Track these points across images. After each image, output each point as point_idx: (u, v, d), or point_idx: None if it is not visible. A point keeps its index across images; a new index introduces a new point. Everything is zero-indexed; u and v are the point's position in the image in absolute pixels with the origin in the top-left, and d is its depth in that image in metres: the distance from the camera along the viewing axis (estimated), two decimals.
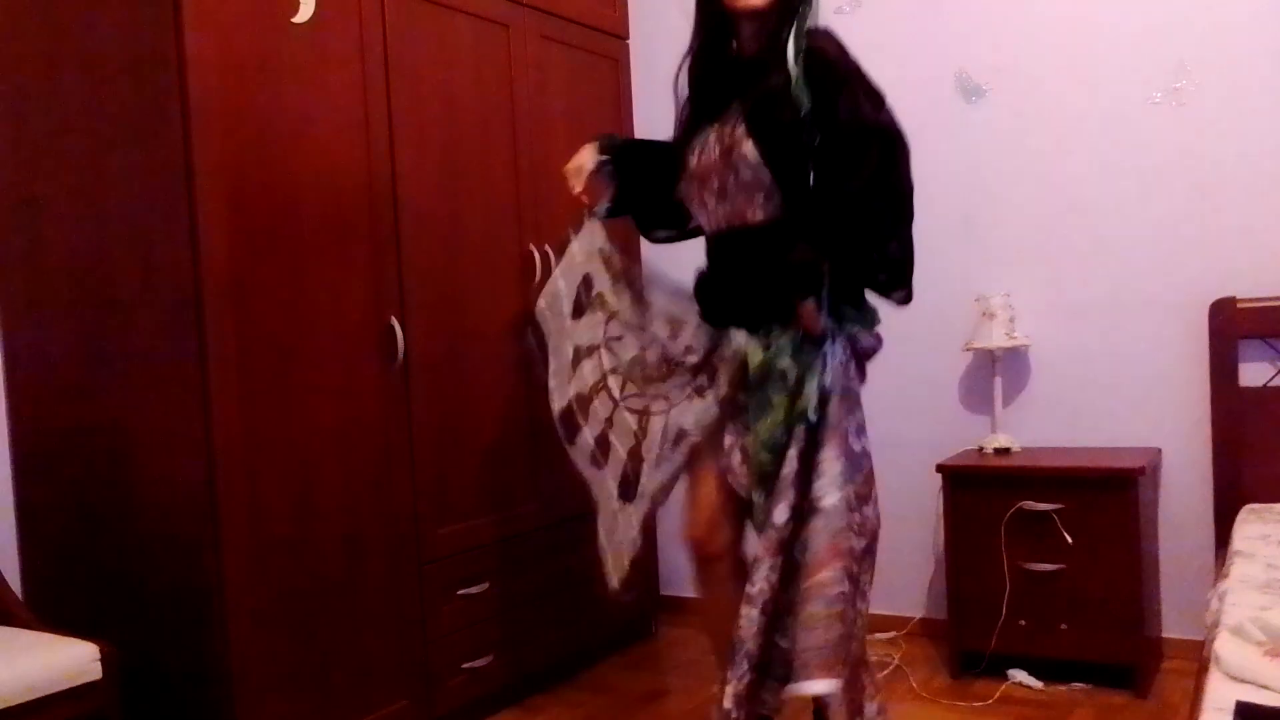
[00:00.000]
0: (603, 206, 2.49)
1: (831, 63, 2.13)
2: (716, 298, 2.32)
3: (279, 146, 2.40)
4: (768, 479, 2.19)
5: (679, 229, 2.55)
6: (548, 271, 3.10)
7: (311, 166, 2.47)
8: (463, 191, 2.90)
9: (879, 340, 2.30)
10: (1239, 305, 2.99)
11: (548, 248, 3.11)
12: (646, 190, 2.48)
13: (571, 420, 2.48)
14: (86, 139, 2.39)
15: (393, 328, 2.65)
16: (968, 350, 3.31)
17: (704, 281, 2.36)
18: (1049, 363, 3.30)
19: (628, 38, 3.58)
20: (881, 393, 3.48)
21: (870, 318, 2.28)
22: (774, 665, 2.22)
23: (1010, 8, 3.30)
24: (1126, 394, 3.20)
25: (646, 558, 3.57)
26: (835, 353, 2.17)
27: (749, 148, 2.18)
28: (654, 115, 3.33)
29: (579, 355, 2.49)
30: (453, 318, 2.85)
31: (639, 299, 2.45)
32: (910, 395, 3.48)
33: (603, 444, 2.44)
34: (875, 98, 2.14)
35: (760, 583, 2.14)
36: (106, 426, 2.44)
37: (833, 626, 2.11)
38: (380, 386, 2.63)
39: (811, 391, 2.14)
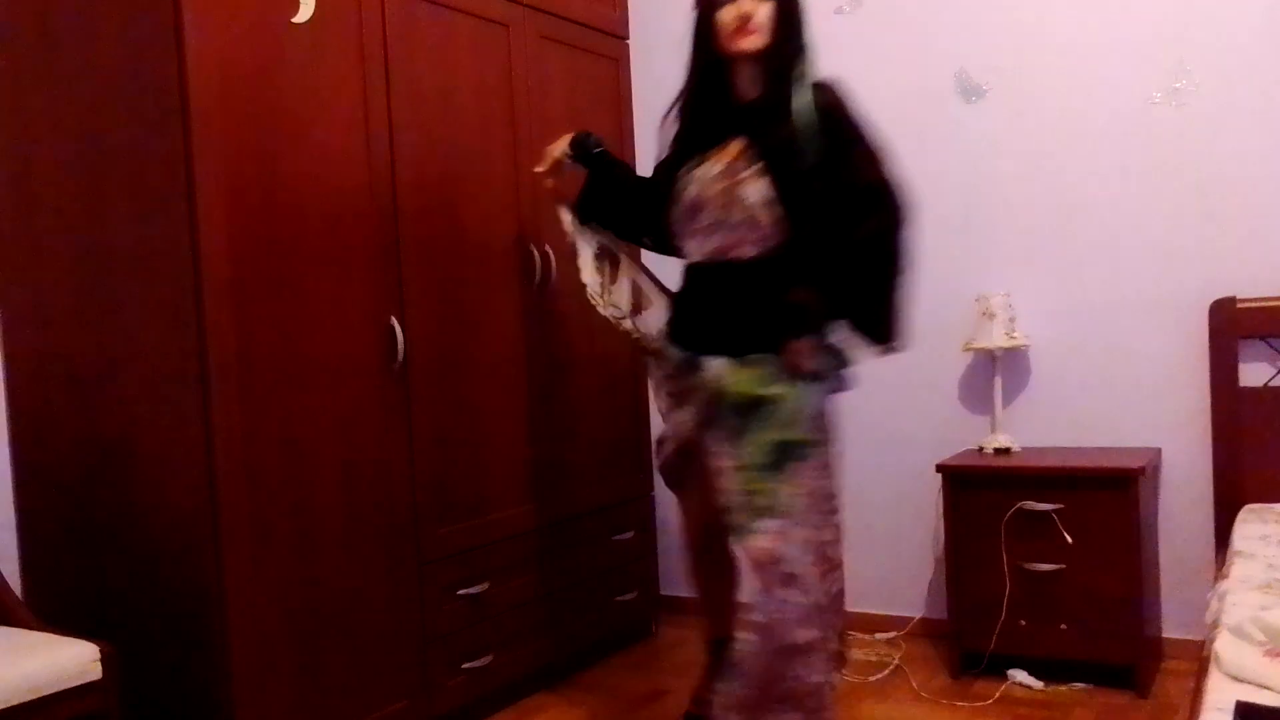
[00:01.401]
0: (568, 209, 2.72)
1: (843, 120, 2.28)
2: (693, 324, 2.42)
3: (279, 147, 2.40)
4: (754, 503, 2.25)
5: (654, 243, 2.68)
6: (548, 272, 3.12)
7: (311, 167, 2.47)
8: (463, 191, 2.90)
9: (850, 383, 2.41)
10: (1239, 305, 2.99)
11: (548, 248, 3.11)
12: (608, 207, 2.70)
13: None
14: (86, 141, 2.39)
15: (393, 328, 2.65)
16: (968, 350, 3.31)
17: (680, 306, 2.50)
18: (1049, 363, 3.30)
19: (628, 38, 3.58)
20: (881, 393, 3.51)
21: (846, 360, 2.39)
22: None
23: (1010, 8, 3.30)
24: (1126, 394, 3.20)
25: (646, 558, 3.58)
26: (818, 390, 2.30)
27: (757, 188, 2.27)
28: (654, 115, 3.27)
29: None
30: (453, 318, 2.85)
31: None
32: (910, 395, 3.48)
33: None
34: (880, 155, 2.29)
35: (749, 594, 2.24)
36: (107, 427, 2.44)
37: (748, 640, 2.23)
38: (380, 386, 2.63)
39: (801, 419, 2.26)
